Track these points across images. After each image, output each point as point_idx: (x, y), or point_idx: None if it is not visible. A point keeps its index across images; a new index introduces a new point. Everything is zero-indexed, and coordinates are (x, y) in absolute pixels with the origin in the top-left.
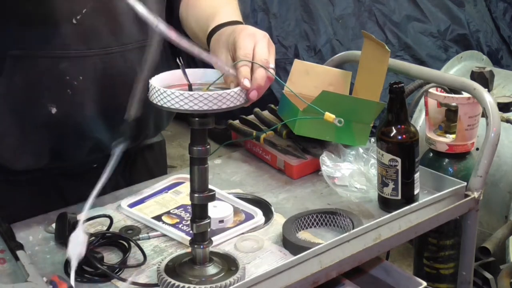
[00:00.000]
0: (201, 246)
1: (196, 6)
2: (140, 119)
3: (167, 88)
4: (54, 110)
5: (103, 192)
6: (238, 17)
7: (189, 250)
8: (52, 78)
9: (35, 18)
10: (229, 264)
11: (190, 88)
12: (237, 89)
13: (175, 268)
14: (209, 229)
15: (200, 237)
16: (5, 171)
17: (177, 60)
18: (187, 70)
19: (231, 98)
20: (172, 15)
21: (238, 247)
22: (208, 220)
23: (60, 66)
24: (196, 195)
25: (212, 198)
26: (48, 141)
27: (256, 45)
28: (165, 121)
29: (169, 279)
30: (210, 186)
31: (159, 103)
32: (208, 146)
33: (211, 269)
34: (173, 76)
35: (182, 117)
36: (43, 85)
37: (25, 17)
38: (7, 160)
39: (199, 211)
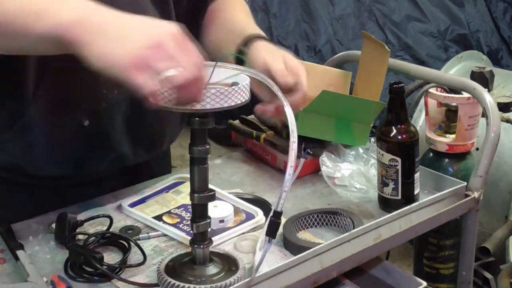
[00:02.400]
0: (201, 246)
1: (227, 19)
2: (158, 131)
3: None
4: (86, 123)
5: (103, 192)
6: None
7: (189, 250)
8: (90, 91)
9: None
10: (229, 264)
11: None
12: (240, 85)
13: (175, 268)
14: (209, 229)
15: (200, 237)
16: (23, 174)
17: None
18: None
19: (232, 96)
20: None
21: (237, 247)
22: (208, 220)
23: (99, 79)
24: (196, 195)
25: (212, 198)
26: (74, 152)
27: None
28: (179, 130)
29: (170, 279)
30: (210, 186)
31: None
32: (208, 146)
33: (211, 269)
34: None
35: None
36: (81, 98)
37: None
38: (31, 167)
39: (199, 211)
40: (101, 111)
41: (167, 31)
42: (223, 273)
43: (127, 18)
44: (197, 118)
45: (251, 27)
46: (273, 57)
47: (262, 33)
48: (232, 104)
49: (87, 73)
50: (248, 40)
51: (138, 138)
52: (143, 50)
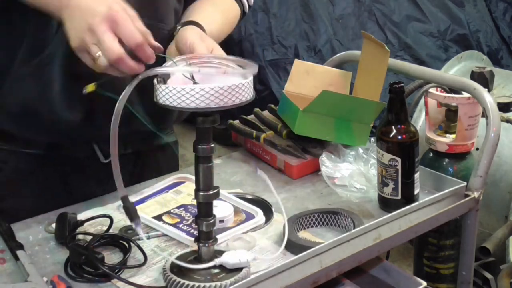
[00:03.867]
0: (206, 245)
1: (193, 5)
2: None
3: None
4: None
5: (106, 191)
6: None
7: (193, 248)
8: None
9: None
10: None
11: None
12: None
13: (180, 267)
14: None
15: (206, 235)
16: (10, 140)
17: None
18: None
19: (237, 94)
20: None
21: (230, 247)
22: (214, 218)
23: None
24: (201, 193)
25: (217, 195)
26: (85, 99)
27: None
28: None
29: (177, 278)
30: None
31: (160, 101)
32: (212, 145)
33: (213, 263)
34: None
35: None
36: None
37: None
38: (46, 109)
39: (204, 209)
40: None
41: (100, 12)
42: (228, 271)
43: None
44: (201, 117)
45: (200, 16)
46: (200, 40)
47: (202, 23)
48: (237, 102)
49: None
50: (184, 24)
51: (145, 105)
52: (81, 35)
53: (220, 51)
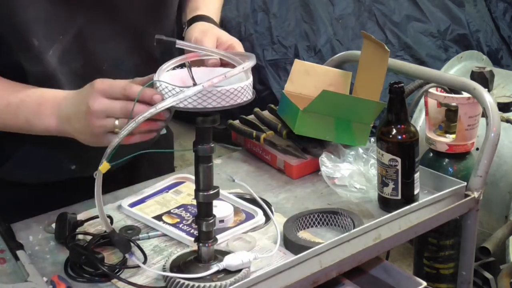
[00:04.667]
0: (206, 245)
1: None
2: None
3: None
4: (73, 167)
5: (104, 190)
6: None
7: (193, 248)
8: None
9: None
10: None
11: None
12: (243, 84)
13: (180, 267)
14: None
15: (206, 235)
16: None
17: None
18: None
19: (238, 94)
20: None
21: (230, 247)
22: (214, 218)
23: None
24: (201, 193)
25: (217, 195)
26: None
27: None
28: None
29: (177, 278)
30: None
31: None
32: (212, 145)
33: (216, 266)
34: (176, 76)
35: (182, 117)
36: (66, 145)
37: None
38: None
39: (204, 209)
40: (88, 158)
41: (88, 96)
42: (228, 271)
43: (68, 115)
44: (201, 117)
45: (204, 8)
46: (204, 35)
47: (208, 14)
48: (238, 102)
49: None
50: (190, 22)
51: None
52: (90, 130)
53: (225, 36)
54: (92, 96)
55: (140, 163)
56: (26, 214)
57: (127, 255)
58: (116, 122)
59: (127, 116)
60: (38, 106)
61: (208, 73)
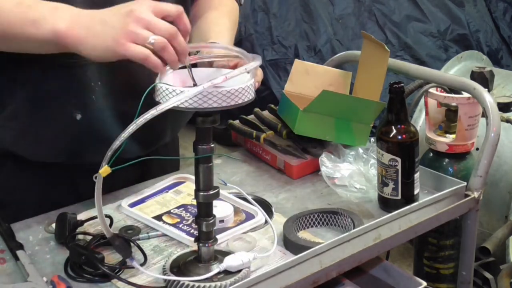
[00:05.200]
0: (206, 245)
1: (202, 18)
2: (158, 125)
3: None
4: (79, 117)
5: (109, 189)
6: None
7: (193, 248)
8: (79, 85)
9: None
10: None
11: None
12: (244, 85)
13: (180, 267)
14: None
15: (206, 235)
16: (21, 160)
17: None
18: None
19: (239, 94)
20: None
21: (230, 247)
22: (214, 218)
23: (87, 73)
24: (201, 193)
25: (217, 195)
26: (68, 142)
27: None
28: (182, 123)
29: (177, 278)
30: None
31: (161, 101)
32: (212, 145)
33: (216, 267)
34: (177, 76)
35: None
36: (71, 92)
37: None
38: (24, 151)
39: (204, 210)
40: (91, 103)
41: (134, 3)
42: (228, 271)
43: (103, 11)
44: (201, 117)
45: (214, 32)
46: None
47: (220, 37)
48: (239, 102)
49: (77, 69)
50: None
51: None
52: (122, 26)
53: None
54: (139, 3)
55: (149, 167)
56: (27, 215)
57: (127, 260)
58: (151, 38)
59: (168, 37)
60: (53, 9)
61: (211, 73)
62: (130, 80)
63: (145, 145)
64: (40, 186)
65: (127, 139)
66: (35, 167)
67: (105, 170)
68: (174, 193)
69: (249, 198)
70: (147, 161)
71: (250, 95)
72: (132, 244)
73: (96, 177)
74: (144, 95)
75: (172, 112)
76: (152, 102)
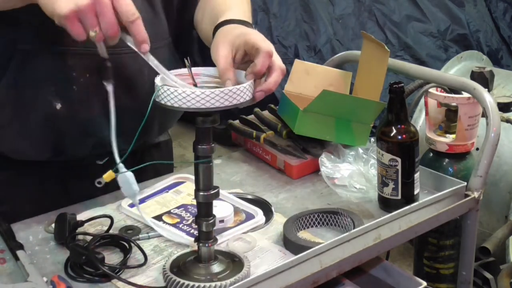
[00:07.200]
0: (206, 245)
1: (211, 4)
2: (138, 117)
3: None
4: (58, 106)
5: (104, 191)
6: (248, 19)
7: (193, 248)
8: (60, 74)
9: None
10: (233, 261)
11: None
12: (245, 85)
13: (180, 267)
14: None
15: (206, 235)
16: (7, 161)
17: (185, 60)
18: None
19: (237, 95)
20: (183, 17)
21: (230, 247)
22: (214, 218)
23: (69, 62)
24: (201, 193)
25: (217, 195)
26: (50, 135)
27: (273, 52)
28: (171, 121)
29: (177, 278)
30: None
31: (162, 101)
32: (213, 145)
33: (216, 267)
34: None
35: (182, 117)
36: (50, 81)
37: (38, 13)
38: (6, 149)
39: (204, 209)
40: (72, 94)
41: None
42: (228, 271)
43: None
44: (201, 117)
45: (226, 12)
46: (219, 46)
47: (232, 16)
48: (238, 102)
49: (57, 57)
50: (215, 29)
51: (117, 123)
52: (73, 6)
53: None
54: None
55: (141, 168)
56: (30, 211)
57: (107, 85)
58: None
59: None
60: None
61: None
62: (118, 74)
63: (131, 139)
64: (30, 187)
65: (104, 126)
66: (24, 167)
67: (109, 175)
68: (174, 193)
69: (239, 200)
70: (140, 162)
71: (248, 96)
72: (132, 244)
73: (98, 182)
74: (152, 98)
75: (159, 108)
76: (147, 99)
